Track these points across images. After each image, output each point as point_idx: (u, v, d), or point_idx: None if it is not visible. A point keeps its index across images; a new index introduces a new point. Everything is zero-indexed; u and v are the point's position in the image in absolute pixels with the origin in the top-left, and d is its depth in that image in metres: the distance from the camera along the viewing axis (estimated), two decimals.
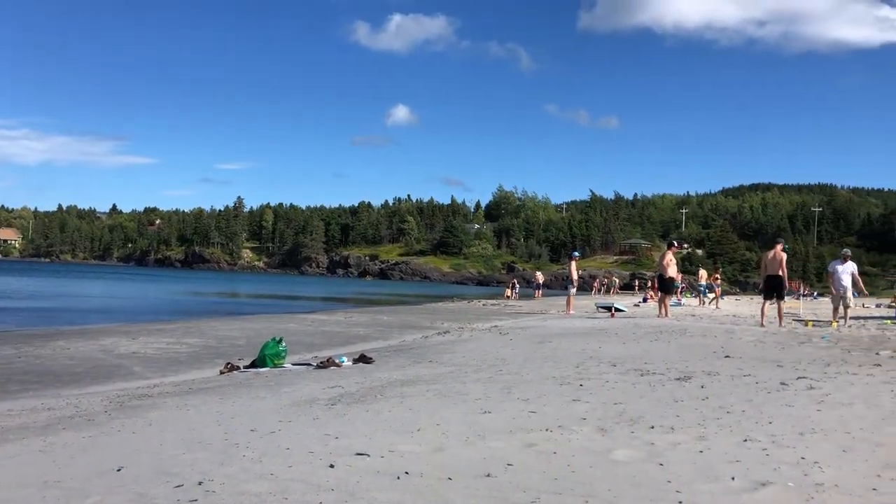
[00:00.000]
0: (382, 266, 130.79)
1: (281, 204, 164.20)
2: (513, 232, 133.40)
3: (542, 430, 4.73)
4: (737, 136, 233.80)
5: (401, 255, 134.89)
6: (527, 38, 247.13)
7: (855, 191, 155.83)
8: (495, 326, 15.98)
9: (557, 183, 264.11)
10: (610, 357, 9.16)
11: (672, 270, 18.66)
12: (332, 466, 3.93)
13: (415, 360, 9.54)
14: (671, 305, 20.13)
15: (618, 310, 22.17)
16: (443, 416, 5.30)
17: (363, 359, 9.57)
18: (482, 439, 4.52)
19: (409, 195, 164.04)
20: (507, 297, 42.89)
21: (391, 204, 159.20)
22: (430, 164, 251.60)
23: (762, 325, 15.25)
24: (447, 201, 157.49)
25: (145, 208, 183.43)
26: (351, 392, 6.76)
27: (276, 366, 9.48)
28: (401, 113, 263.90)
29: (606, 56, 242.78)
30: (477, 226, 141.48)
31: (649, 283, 39.76)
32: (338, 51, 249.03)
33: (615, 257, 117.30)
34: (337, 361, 9.34)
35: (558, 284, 75.08)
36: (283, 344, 9.88)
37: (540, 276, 45.84)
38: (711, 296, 30.59)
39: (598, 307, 24.21)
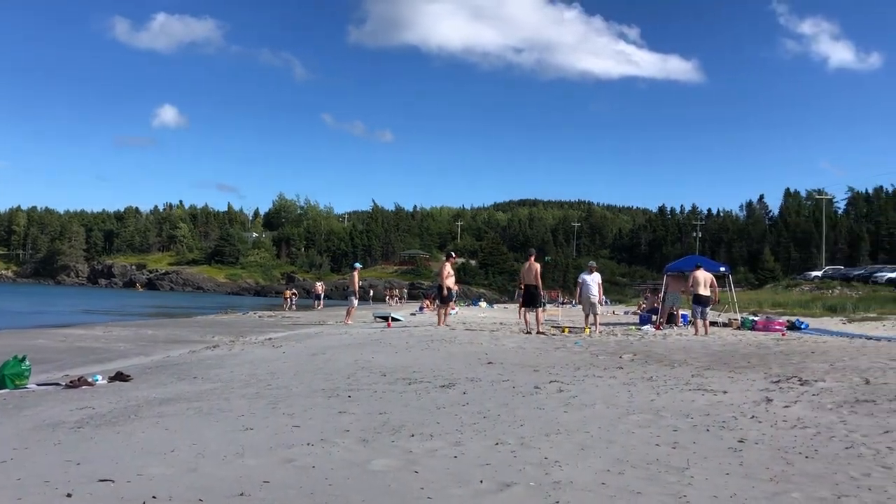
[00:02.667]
0: (151, 276, 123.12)
1: (34, 207, 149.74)
2: (293, 241, 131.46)
3: (303, 445, 4.69)
4: (506, 154, 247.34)
5: (171, 264, 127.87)
6: (299, 49, 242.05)
7: (609, 208, 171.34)
8: (269, 339, 15.62)
9: (341, 193, 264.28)
10: (381, 367, 9.30)
11: (451, 281, 19.32)
12: (69, 496, 3.62)
13: (178, 376, 9.07)
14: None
15: (395, 319, 22.58)
16: (201, 436, 5.08)
17: (120, 377, 8.93)
18: (240, 457, 4.39)
19: (181, 201, 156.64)
20: (286, 300, 42.33)
21: (161, 210, 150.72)
22: (203, 169, 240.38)
23: (527, 331, 16.30)
24: (223, 208, 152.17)
25: None
26: (102, 413, 6.28)
27: (17, 387, 8.57)
28: (168, 114, 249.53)
29: (378, 71, 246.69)
30: (255, 234, 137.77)
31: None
32: (94, 46, 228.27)
33: (395, 267, 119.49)
34: (90, 380, 8.63)
35: (339, 295, 75.13)
36: (27, 362, 8.96)
37: (320, 287, 45.58)
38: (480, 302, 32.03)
39: (375, 317, 24.52)
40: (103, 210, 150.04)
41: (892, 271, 58.17)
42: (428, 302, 38.15)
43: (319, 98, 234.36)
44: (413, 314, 30.34)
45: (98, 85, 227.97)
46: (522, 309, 17.11)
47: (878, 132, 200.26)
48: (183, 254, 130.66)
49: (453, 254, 21.25)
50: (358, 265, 24.55)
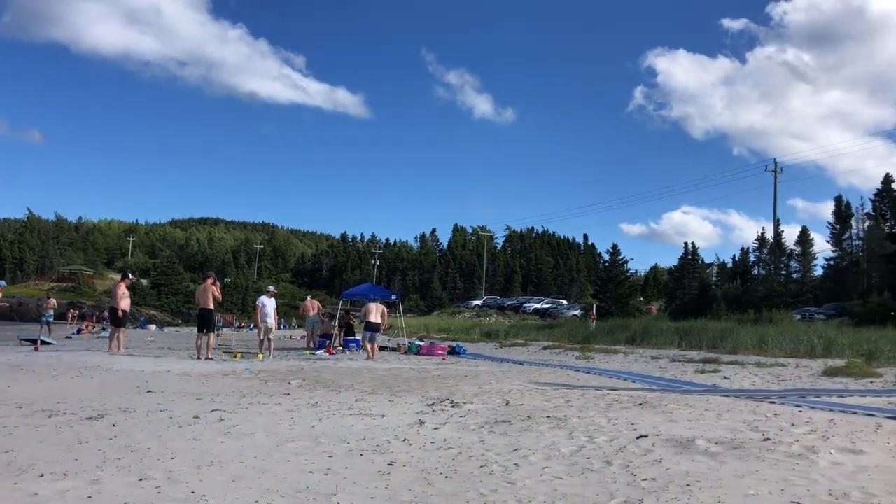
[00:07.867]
0: None
1: None
2: None
3: None
4: (183, 169, 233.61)
5: None
6: None
7: (293, 232, 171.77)
8: None
9: None
10: (18, 398, 8.25)
11: (126, 303, 17.72)
12: None
13: None
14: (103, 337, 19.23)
15: (45, 343, 20.29)
16: None
17: None
18: None
19: None
20: None
21: None
22: None
23: (198, 357, 15.69)
24: None
25: None
26: None
27: None
28: None
29: (20, 66, 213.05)
30: None
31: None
32: None
33: (53, 284, 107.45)
34: None
35: None
36: None
37: None
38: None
39: (21, 340, 21.82)
40: None
41: (538, 302, 66.13)
42: (87, 324, 34.99)
43: None
44: (69, 337, 27.56)
45: None
46: (199, 335, 16.43)
47: (517, 179, 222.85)
48: None
49: (130, 274, 19.64)
50: (2, 283, 21.74)
